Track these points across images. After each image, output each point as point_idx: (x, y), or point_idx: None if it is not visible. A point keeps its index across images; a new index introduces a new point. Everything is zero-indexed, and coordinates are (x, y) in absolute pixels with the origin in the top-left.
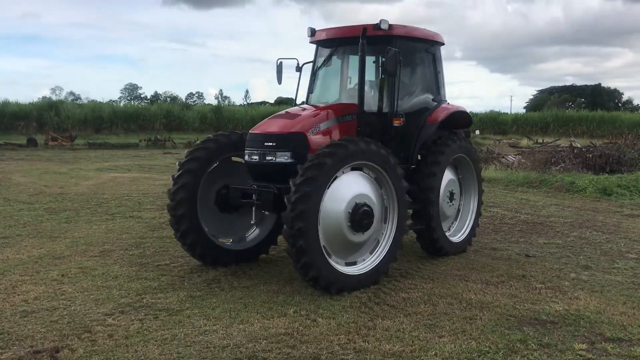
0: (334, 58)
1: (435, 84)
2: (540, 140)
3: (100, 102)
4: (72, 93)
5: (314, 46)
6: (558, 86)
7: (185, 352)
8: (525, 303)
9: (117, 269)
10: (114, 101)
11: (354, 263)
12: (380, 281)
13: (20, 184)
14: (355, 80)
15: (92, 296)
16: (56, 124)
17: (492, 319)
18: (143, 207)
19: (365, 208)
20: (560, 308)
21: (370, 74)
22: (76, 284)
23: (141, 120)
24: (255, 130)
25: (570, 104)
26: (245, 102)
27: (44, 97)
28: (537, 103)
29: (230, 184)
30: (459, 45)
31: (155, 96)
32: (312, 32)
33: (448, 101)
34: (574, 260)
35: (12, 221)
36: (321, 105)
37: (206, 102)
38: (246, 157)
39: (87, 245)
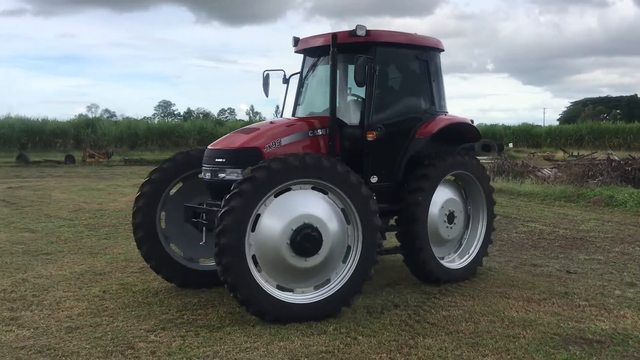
0: (320, 67)
1: (429, 94)
2: (575, 153)
3: (135, 119)
4: (107, 110)
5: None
6: (592, 97)
7: None
8: (570, 321)
9: (156, 285)
10: (148, 118)
11: (292, 290)
12: (419, 298)
13: (60, 201)
14: (343, 90)
15: (133, 312)
16: (93, 141)
17: (535, 338)
18: None
19: (309, 231)
20: (607, 327)
21: (351, 84)
22: (117, 300)
23: (175, 137)
24: (211, 146)
25: (605, 115)
26: (276, 118)
27: (80, 115)
28: (571, 115)
29: (201, 202)
30: (491, 57)
31: (188, 112)
32: (296, 41)
33: (448, 112)
34: (617, 277)
35: (53, 237)
36: (295, 118)
37: (237, 118)
38: (202, 175)
39: (127, 261)
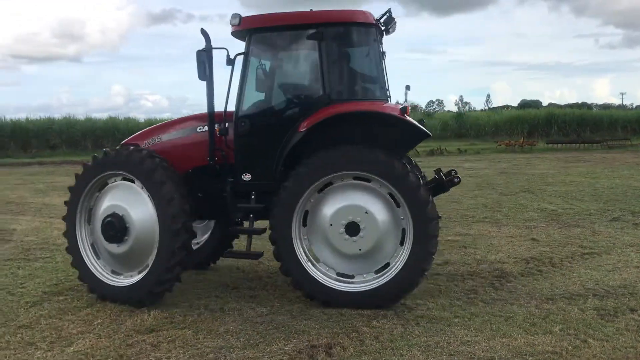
0: (261, 52)
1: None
2: None
3: None
4: None
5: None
6: None
7: None
8: None
9: None
10: None
11: (120, 274)
12: None
13: None
14: (272, 80)
15: None
16: None
17: None
18: None
19: (111, 219)
20: None
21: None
22: None
23: None
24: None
25: None
26: (486, 107)
27: None
28: None
29: None
30: None
31: None
32: (239, 20)
33: (369, 99)
34: None
35: None
36: (200, 113)
37: (446, 109)
38: None
39: None
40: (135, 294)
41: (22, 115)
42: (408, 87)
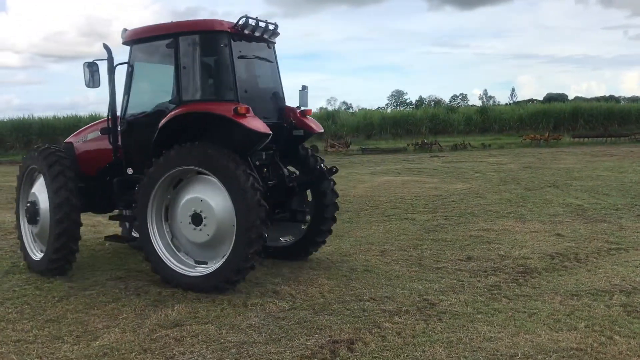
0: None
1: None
2: None
3: (370, 110)
4: (344, 103)
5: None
6: None
7: (472, 357)
8: None
9: (398, 268)
10: (381, 108)
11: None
12: None
13: None
14: (147, 85)
15: (378, 293)
16: (333, 131)
17: None
18: (416, 209)
19: (29, 205)
20: None
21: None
22: (363, 281)
23: (408, 125)
24: None
25: None
26: (511, 101)
27: (321, 108)
28: None
29: None
30: None
31: (420, 101)
32: (123, 34)
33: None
34: None
35: None
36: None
37: (470, 103)
38: None
39: (369, 244)
40: None
41: (49, 114)
42: (304, 88)
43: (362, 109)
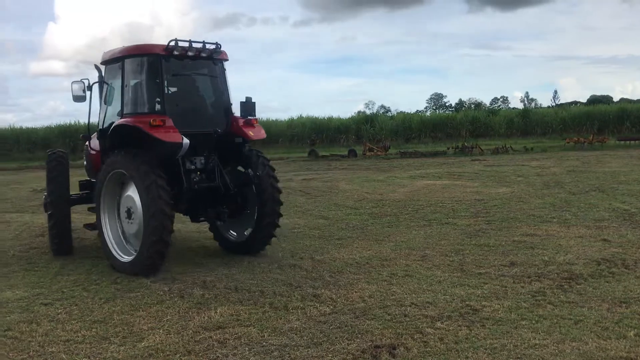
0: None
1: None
2: None
3: (408, 113)
4: (382, 106)
5: None
6: None
7: None
8: None
9: (439, 273)
10: (420, 111)
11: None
12: None
13: (346, 191)
14: (110, 101)
15: (419, 298)
16: (371, 135)
17: None
18: (457, 213)
19: None
20: None
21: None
22: (404, 286)
23: (448, 128)
24: None
25: None
26: (553, 104)
27: (359, 112)
28: None
29: None
30: None
31: (460, 104)
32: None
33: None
34: None
35: (342, 224)
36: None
37: (511, 106)
38: None
39: (409, 249)
40: None
41: (94, 119)
42: (248, 99)
43: (401, 112)
